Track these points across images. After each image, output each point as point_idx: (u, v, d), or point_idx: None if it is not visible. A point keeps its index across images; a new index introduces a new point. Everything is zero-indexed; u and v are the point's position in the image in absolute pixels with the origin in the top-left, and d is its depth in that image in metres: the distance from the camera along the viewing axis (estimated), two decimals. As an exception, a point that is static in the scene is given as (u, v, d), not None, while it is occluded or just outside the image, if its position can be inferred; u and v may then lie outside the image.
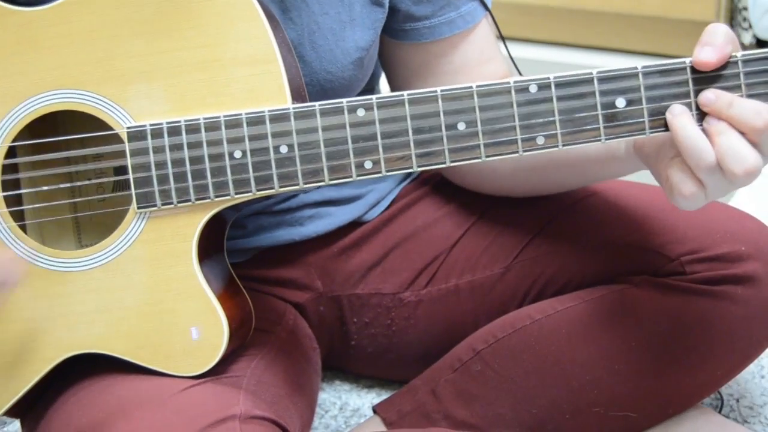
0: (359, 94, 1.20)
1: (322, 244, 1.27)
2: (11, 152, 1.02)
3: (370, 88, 1.27)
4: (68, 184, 1.06)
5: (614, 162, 1.08)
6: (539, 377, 1.19)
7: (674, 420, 1.24)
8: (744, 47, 2.20)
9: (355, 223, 1.29)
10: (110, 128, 0.99)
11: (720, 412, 1.33)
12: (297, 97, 0.99)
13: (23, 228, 1.03)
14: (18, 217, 1.03)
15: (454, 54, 1.19)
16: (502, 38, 1.23)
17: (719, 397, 1.35)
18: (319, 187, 0.98)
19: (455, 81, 1.19)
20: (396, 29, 1.19)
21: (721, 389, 1.35)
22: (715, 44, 0.92)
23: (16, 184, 1.05)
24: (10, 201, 1.03)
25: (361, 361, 1.35)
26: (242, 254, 1.23)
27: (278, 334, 1.21)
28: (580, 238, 1.22)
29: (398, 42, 1.20)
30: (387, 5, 1.15)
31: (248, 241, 1.22)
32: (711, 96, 0.93)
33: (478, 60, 1.20)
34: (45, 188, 1.04)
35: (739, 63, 0.93)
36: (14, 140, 1.01)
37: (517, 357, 1.20)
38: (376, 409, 1.29)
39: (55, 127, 1.05)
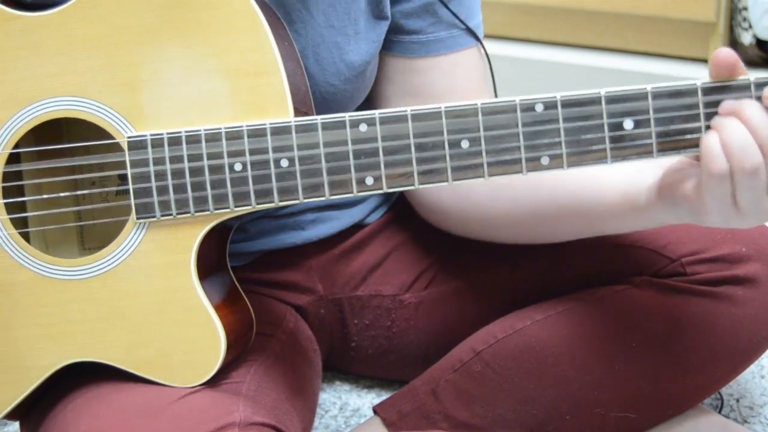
0: (359, 107, 1.19)
1: (324, 248, 1.27)
2: (14, 159, 1.02)
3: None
4: (72, 192, 1.06)
5: (633, 214, 1.04)
6: (539, 378, 1.19)
7: (674, 420, 1.24)
8: (744, 47, 2.20)
9: (357, 226, 1.28)
10: (112, 137, 0.98)
11: (720, 412, 1.34)
12: (302, 106, 0.98)
13: (26, 234, 1.03)
14: (22, 223, 1.03)
15: (440, 76, 1.17)
16: (492, 75, 1.20)
17: (719, 397, 1.35)
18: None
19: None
20: (385, 39, 1.17)
21: (721, 389, 1.35)
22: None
23: (19, 190, 1.04)
24: (13, 208, 1.02)
25: (361, 363, 1.36)
26: (243, 258, 1.23)
27: (278, 337, 1.21)
28: (581, 239, 1.22)
29: (385, 52, 1.18)
30: (390, 18, 1.14)
31: (250, 244, 1.22)
32: None
33: (465, 89, 1.17)
34: (49, 195, 1.04)
35: (752, 86, 0.90)
36: (16, 146, 1.00)
37: (518, 358, 1.20)
38: (376, 410, 1.29)
39: (60, 134, 1.05)
